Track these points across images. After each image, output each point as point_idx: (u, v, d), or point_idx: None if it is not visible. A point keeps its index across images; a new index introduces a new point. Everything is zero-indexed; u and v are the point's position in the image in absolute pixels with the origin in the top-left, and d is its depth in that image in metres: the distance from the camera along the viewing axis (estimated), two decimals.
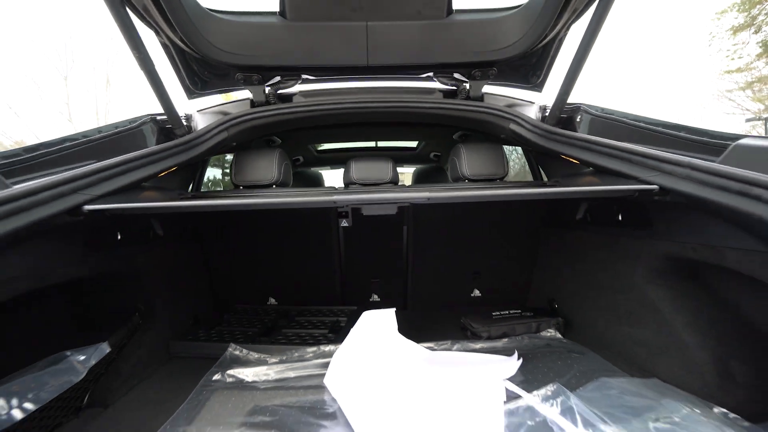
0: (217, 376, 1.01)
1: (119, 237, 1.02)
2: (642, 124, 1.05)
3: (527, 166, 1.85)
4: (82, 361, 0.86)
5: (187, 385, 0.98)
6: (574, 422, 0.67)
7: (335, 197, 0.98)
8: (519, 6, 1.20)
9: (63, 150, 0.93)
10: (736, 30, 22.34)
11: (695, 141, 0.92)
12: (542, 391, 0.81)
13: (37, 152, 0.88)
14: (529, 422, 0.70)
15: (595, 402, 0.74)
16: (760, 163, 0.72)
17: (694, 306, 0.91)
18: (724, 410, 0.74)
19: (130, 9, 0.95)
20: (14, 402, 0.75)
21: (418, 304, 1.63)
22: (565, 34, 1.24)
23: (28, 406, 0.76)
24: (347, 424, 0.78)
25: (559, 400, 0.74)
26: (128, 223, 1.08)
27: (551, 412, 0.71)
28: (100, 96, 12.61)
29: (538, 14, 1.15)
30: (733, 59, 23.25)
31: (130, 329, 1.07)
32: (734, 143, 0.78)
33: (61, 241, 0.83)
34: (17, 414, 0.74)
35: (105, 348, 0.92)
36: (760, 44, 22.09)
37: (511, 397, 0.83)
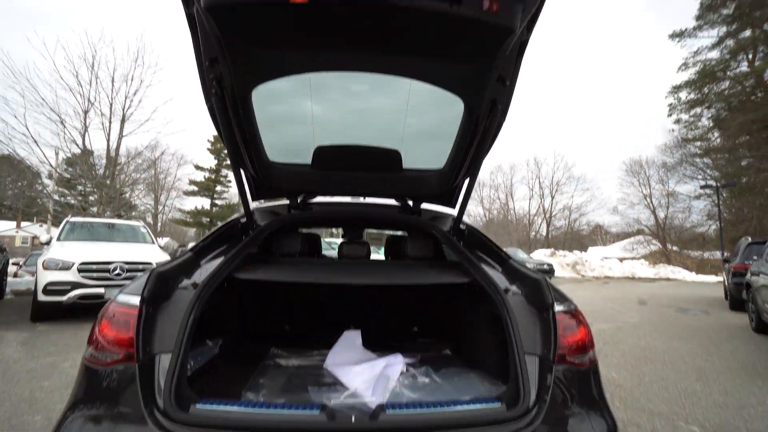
0: (268, 361, 1.94)
1: (225, 285, 1.97)
2: (485, 240, 2.09)
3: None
4: (213, 345, 1.79)
5: (251, 366, 1.89)
6: (422, 375, 1.63)
7: (334, 280, 1.95)
8: (438, 170, 2.25)
9: (211, 239, 1.90)
10: (692, 104, 25.39)
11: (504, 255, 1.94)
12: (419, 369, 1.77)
13: (205, 242, 1.85)
14: (405, 372, 1.66)
15: (439, 373, 1.70)
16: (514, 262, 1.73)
17: (491, 328, 1.89)
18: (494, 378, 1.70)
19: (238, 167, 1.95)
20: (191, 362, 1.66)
21: (377, 335, 2.56)
22: (462, 183, 2.30)
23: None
24: (336, 379, 1.71)
25: (424, 369, 1.71)
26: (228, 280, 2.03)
27: (417, 371, 1.67)
28: (114, 130, 13.70)
29: (446, 175, 2.21)
30: (691, 129, 26.19)
31: (225, 334, 2.00)
32: (509, 251, 1.81)
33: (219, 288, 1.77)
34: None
35: (219, 341, 1.85)
36: (711, 119, 25.06)
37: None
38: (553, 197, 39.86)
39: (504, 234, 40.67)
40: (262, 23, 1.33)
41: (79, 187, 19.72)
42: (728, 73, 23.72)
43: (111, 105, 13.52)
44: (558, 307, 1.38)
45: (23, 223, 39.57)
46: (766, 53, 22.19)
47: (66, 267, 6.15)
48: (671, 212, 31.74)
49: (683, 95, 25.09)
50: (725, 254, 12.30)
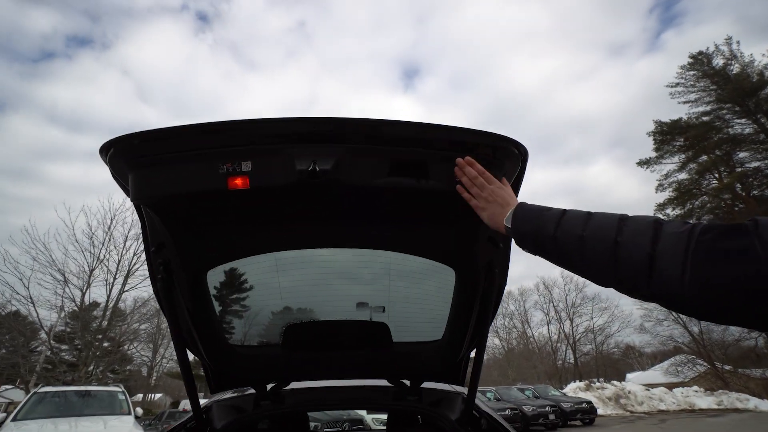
0: None
1: None
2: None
3: None
4: None
5: None
6: None
7: None
8: (436, 341, 1.87)
9: None
10: (681, 218, 26.21)
11: None
12: None
13: None
14: None
15: None
16: None
17: None
18: None
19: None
20: None
21: None
22: (468, 355, 1.88)
23: None
24: None
25: None
26: None
27: None
28: (117, 283, 13.70)
29: (447, 347, 1.81)
30: None
31: None
32: None
33: None
34: None
35: None
36: None
37: None
38: (571, 320, 37.30)
39: (528, 366, 36.55)
40: (206, 209, 1.20)
41: (77, 341, 18.58)
42: (702, 189, 25.38)
43: (119, 262, 13.82)
44: None
45: (3, 386, 35.89)
46: (729, 171, 24.20)
47: None
48: (705, 326, 29.04)
49: (669, 211, 26.27)
50: None
